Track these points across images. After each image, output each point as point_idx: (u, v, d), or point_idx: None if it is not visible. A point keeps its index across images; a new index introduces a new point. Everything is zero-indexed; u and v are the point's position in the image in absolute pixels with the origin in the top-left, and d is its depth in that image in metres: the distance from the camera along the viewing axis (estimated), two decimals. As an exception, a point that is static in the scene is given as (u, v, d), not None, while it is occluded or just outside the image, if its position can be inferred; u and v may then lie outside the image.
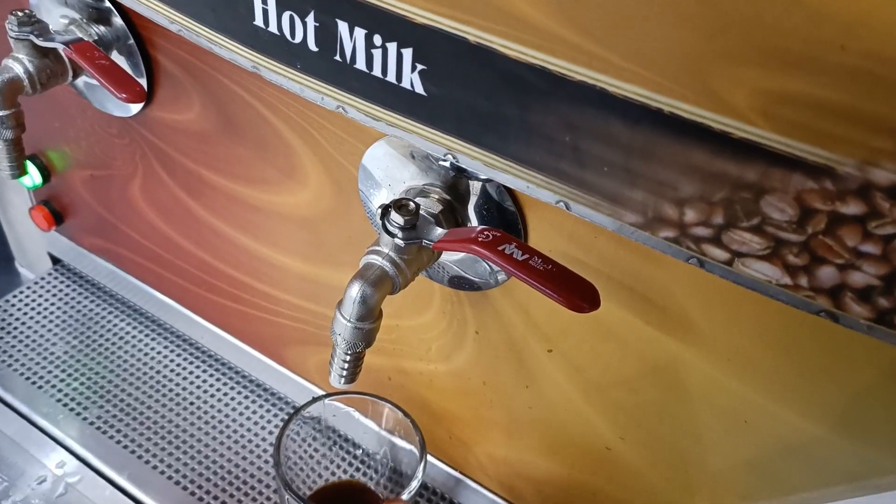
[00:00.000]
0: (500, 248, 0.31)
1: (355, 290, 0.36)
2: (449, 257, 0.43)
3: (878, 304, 0.24)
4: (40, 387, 0.62)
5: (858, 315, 0.25)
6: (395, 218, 0.36)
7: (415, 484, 0.46)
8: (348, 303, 0.36)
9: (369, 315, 0.37)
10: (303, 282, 0.53)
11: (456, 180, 0.39)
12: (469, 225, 0.41)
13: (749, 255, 0.26)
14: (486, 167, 0.31)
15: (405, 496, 0.45)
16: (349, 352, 0.38)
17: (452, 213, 0.40)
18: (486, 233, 0.32)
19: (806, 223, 0.24)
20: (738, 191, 0.25)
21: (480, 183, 0.38)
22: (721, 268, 0.27)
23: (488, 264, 0.42)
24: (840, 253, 0.24)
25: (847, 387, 0.32)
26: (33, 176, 0.63)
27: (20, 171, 0.49)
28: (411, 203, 0.36)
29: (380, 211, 0.36)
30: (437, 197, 0.40)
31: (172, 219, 0.58)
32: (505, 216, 0.39)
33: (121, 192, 0.59)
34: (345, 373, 0.39)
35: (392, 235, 0.36)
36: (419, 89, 0.30)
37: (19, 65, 0.46)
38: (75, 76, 0.50)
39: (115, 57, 0.49)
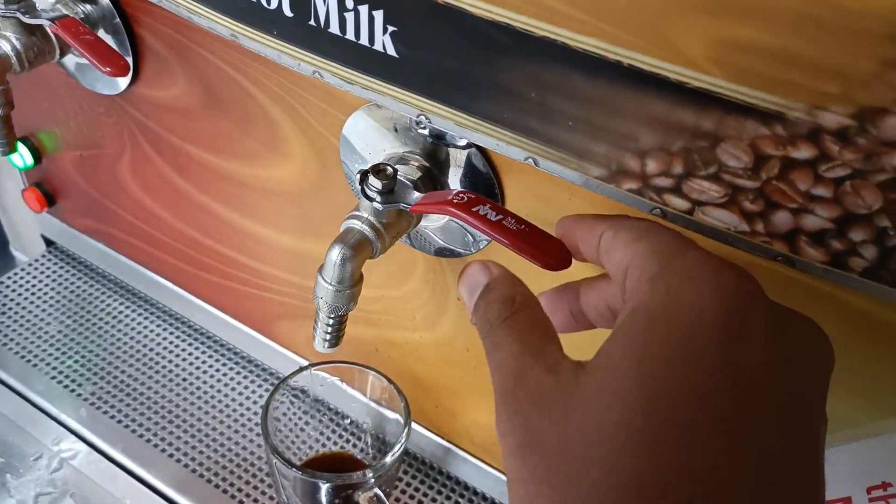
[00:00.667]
0: (474, 210, 0.31)
1: (336, 254, 0.37)
2: (433, 226, 0.43)
3: (831, 247, 0.25)
4: (35, 365, 0.63)
5: (814, 259, 0.26)
6: (373, 182, 0.36)
7: (399, 447, 0.47)
8: (329, 266, 0.37)
9: (350, 278, 0.38)
10: (290, 256, 0.54)
11: (434, 147, 0.40)
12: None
13: (708, 204, 0.27)
14: (458, 127, 0.31)
15: (388, 458, 0.46)
16: (332, 315, 0.39)
17: (431, 180, 0.41)
18: (461, 195, 0.33)
19: (760, 169, 0.25)
20: (695, 140, 0.25)
21: (458, 149, 0.39)
22: (683, 217, 0.27)
23: (470, 233, 0.43)
24: (793, 197, 0.25)
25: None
26: (24, 157, 0.63)
27: (10, 148, 0.50)
28: (389, 168, 0.37)
29: (359, 176, 0.37)
30: (416, 164, 0.41)
31: (161, 197, 0.58)
32: (482, 181, 0.39)
33: (110, 171, 0.60)
34: (328, 336, 0.40)
35: (370, 200, 0.37)
36: (391, 51, 0.31)
37: (7, 42, 0.47)
38: (62, 54, 0.50)
39: (102, 36, 0.50)
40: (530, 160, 0.30)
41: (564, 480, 0.20)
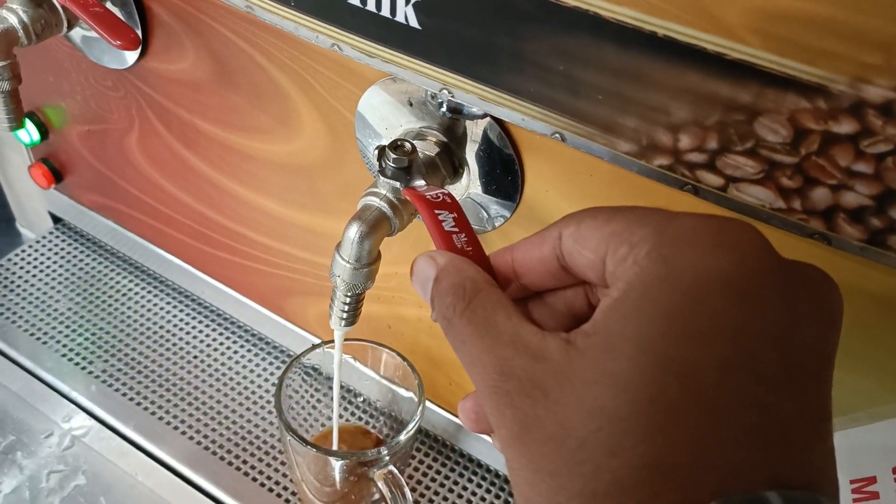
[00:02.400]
0: (436, 212, 0.30)
1: (353, 231, 0.36)
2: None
3: (870, 225, 0.25)
4: (45, 342, 0.63)
5: (851, 236, 0.25)
6: (392, 158, 0.36)
7: (413, 424, 0.47)
8: (347, 244, 0.37)
9: (368, 256, 0.37)
10: (300, 232, 0.53)
11: (452, 122, 0.39)
12: (467, 167, 0.41)
13: (743, 180, 0.26)
14: (481, 101, 0.31)
15: (403, 436, 0.46)
16: (349, 293, 0.38)
17: (449, 156, 0.40)
18: (439, 195, 0.32)
19: (799, 144, 0.24)
20: (731, 114, 0.25)
21: (476, 123, 0.38)
22: (715, 194, 0.27)
23: (485, 209, 0.43)
24: (833, 173, 0.24)
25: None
26: (31, 132, 0.63)
27: (18, 123, 0.49)
28: (407, 143, 0.36)
29: (376, 152, 0.36)
30: (434, 140, 0.40)
31: (169, 172, 0.58)
32: (501, 157, 0.39)
33: (118, 146, 0.59)
34: (345, 315, 0.40)
35: (388, 177, 0.36)
36: (413, 23, 0.30)
37: (14, 15, 0.46)
38: (69, 27, 0.49)
39: (109, 7, 0.49)
40: (557, 135, 0.29)
41: (566, 467, 0.19)
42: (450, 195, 0.32)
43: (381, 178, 0.36)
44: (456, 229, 0.29)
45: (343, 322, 0.40)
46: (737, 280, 0.19)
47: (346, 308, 0.39)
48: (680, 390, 0.18)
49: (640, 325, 0.19)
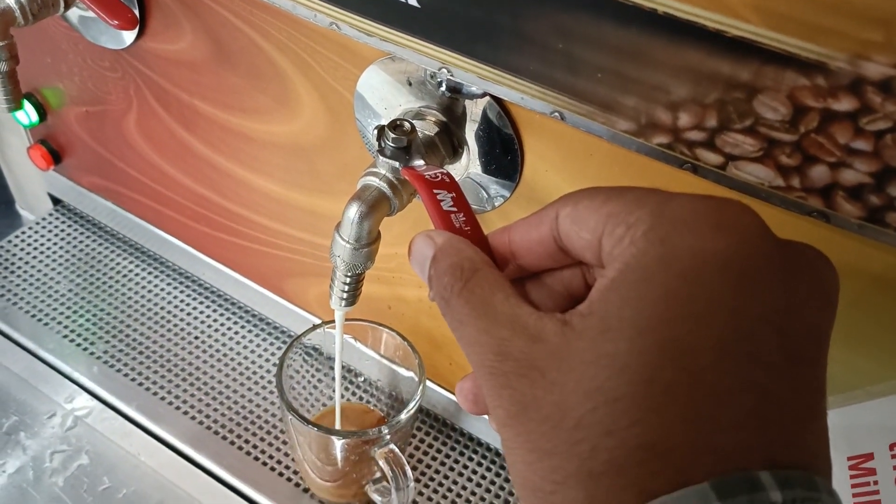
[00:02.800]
0: (434, 191, 0.30)
1: (353, 211, 0.36)
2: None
3: (869, 202, 0.25)
4: (46, 324, 0.63)
5: (850, 214, 0.25)
6: (391, 138, 0.36)
7: (414, 404, 0.47)
8: (347, 224, 0.37)
9: (367, 236, 0.37)
10: (300, 213, 0.53)
11: (451, 102, 0.39)
12: (466, 147, 0.40)
13: (742, 158, 0.26)
14: (480, 79, 0.30)
15: (404, 415, 0.46)
16: (349, 274, 0.39)
17: (449, 136, 0.40)
18: (438, 174, 0.32)
19: (798, 122, 0.24)
20: (731, 91, 0.25)
21: (476, 102, 0.38)
22: (714, 172, 0.27)
23: (484, 188, 0.43)
24: (832, 151, 0.24)
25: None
26: (29, 114, 0.62)
27: (17, 104, 0.49)
28: (406, 123, 0.36)
29: (376, 132, 0.36)
30: (433, 119, 0.40)
31: (168, 153, 0.58)
32: (501, 136, 0.39)
33: (116, 127, 0.59)
34: (345, 295, 0.40)
35: (388, 156, 0.36)
36: (412, 0, 0.30)
37: (9, -5, 0.46)
38: (66, 7, 0.49)
39: (105, -13, 0.49)
40: (556, 114, 0.29)
41: (562, 447, 0.19)
42: (448, 175, 0.32)
43: (381, 157, 0.36)
44: (454, 209, 0.29)
45: (343, 302, 0.40)
46: (735, 262, 0.19)
47: (347, 288, 0.39)
48: (676, 372, 0.19)
49: (637, 307, 0.19)
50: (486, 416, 0.54)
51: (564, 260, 0.25)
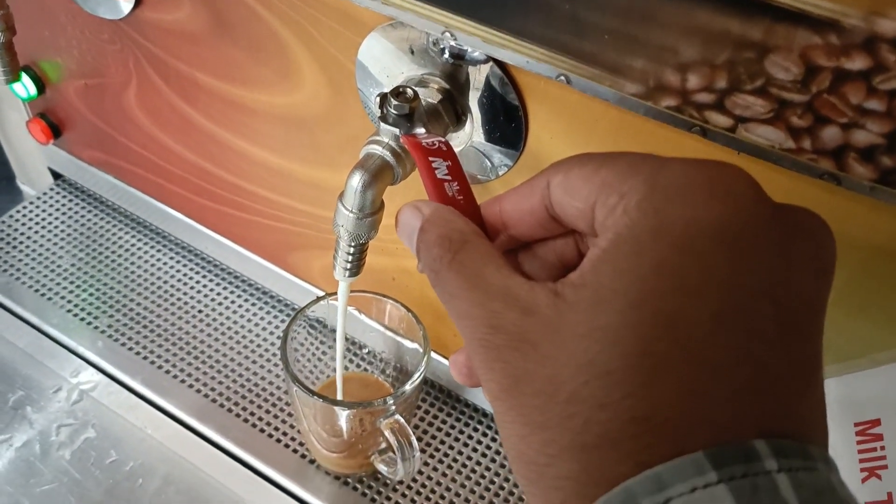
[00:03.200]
0: (430, 159, 0.30)
1: (356, 180, 0.36)
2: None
3: (881, 164, 0.24)
4: (49, 298, 0.63)
5: (861, 176, 0.25)
6: (393, 105, 0.35)
7: (418, 375, 0.47)
8: (350, 193, 0.36)
9: (371, 205, 0.37)
10: (303, 185, 0.53)
11: (455, 68, 0.38)
12: (470, 115, 0.40)
13: (752, 120, 0.25)
14: (485, 43, 0.30)
15: (408, 386, 0.46)
16: (352, 244, 0.38)
17: (452, 104, 0.39)
18: (435, 142, 0.31)
19: (810, 82, 0.24)
20: (741, 51, 0.24)
21: (479, 69, 0.38)
22: (724, 135, 0.26)
23: (488, 158, 0.42)
24: (844, 111, 0.24)
25: (844, 263, 0.33)
26: (28, 87, 0.62)
27: (14, 76, 0.49)
28: (409, 90, 0.35)
29: (378, 99, 0.36)
30: (436, 87, 0.39)
31: (169, 127, 0.57)
32: (505, 104, 0.38)
33: (116, 101, 0.59)
34: (349, 266, 0.40)
35: (390, 123, 0.36)
36: (414, -37, 0.29)
37: (3, -36, 0.45)
38: (62, -24, 0.48)
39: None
40: (562, 77, 0.29)
41: (555, 420, 0.19)
42: (446, 143, 0.32)
43: (383, 125, 0.36)
44: (449, 177, 0.28)
45: (347, 273, 0.40)
46: (729, 231, 0.19)
47: (350, 258, 0.39)
48: (670, 344, 0.18)
49: (629, 279, 0.19)
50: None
51: (557, 229, 0.24)
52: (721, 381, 0.18)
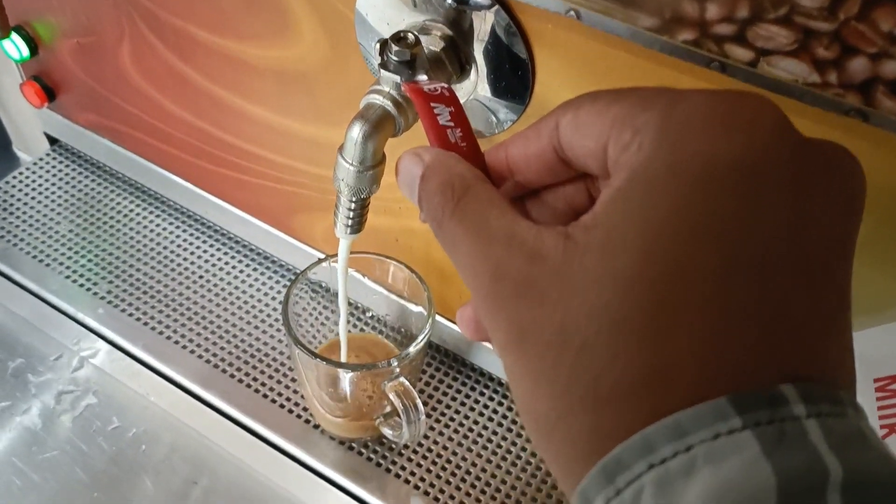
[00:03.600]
0: (432, 104, 0.28)
1: (356, 131, 0.35)
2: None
3: (913, 97, 0.23)
4: (48, 265, 0.62)
5: (890, 111, 0.23)
6: (394, 51, 0.34)
7: (423, 336, 0.46)
8: (350, 145, 0.35)
9: (372, 158, 0.35)
10: (303, 144, 0.51)
11: (458, 14, 0.37)
12: (474, 65, 0.38)
13: (775, 52, 0.24)
14: (490, -21, 0.28)
15: (412, 348, 0.45)
16: (353, 199, 0.37)
17: (456, 52, 0.38)
18: (437, 88, 0.30)
19: (837, 9, 0.22)
20: (764, -23, 0.23)
21: (484, 16, 0.36)
22: (744, 70, 0.25)
23: (493, 112, 0.41)
24: (873, 40, 0.22)
25: (869, 209, 0.31)
26: (20, 48, 0.60)
27: (3, 32, 0.47)
28: (410, 35, 0.34)
29: (378, 46, 0.34)
30: (439, 34, 0.38)
31: (165, 87, 0.56)
32: (510, 52, 0.37)
33: (111, 61, 0.57)
34: (350, 222, 0.38)
35: (391, 70, 0.34)
36: None
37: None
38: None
39: None
40: (572, 13, 0.27)
41: (566, 372, 0.18)
42: (449, 89, 0.30)
43: (383, 72, 0.34)
44: (451, 124, 0.27)
45: (348, 230, 0.39)
46: (749, 168, 0.18)
47: (352, 214, 0.38)
48: (687, 289, 0.17)
49: (643, 221, 0.18)
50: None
51: (566, 173, 0.23)
52: (742, 325, 0.17)
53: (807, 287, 0.18)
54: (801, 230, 0.18)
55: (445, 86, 0.30)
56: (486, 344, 0.54)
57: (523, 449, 0.53)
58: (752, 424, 0.16)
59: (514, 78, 0.38)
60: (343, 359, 0.50)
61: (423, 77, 0.34)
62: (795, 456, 0.16)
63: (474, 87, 0.39)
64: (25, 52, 0.60)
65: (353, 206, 0.37)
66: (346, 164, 0.35)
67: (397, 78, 0.34)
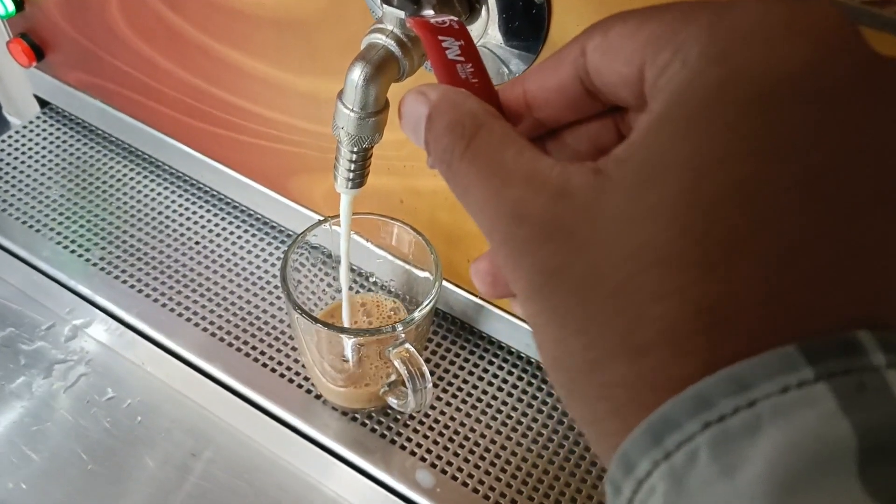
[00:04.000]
0: (440, 38, 0.26)
1: (357, 74, 0.32)
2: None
3: None
4: (38, 231, 0.60)
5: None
6: (398, -16, 0.31)
7: (430, 299, 0.43)
8: (350, 89, 0.32)
9: (374, 103, 0.33)
10: (300, 99, 0.48)
11: (467, -52, 0.34)
12: (484, 5, 0.36)
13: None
14: None
15: (417, 313, 0.43)
16: (354, 149, 0.34)
17: (465, -9, 0.35)
18: (446, 21, 0.27)
19: None
20: None
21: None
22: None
23: (504, 62, 0.38)
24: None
25: None
26: (5, 3, 0.57)
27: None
28: (416, -33, 0.31)
29: (380, -20, 0.32)
30: (446, -30, 0.35)
31: (156, 40, 0.53)
32: (524, -12, 0.34)
33: (99, 14, 0.54)
34: (351, 175, 0.36)
35: (394, 5, 0.31)
36: None
37: None
38: None
39: None
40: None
41: (599, 318, 0.16)
42: (458, 22, 0.27)
43: (387, 7, 0.31)
44: (461, 58, 0.24)
45: (350, 183, 0.36)
46: (815, 79, 0.15)
47: (353, 167, 0.35)
48: (743, 219, 0.15)
49: (693, 143, 0.15)
50: (507, 317, 0.51)
51: (591, 108, 0.21)
52: (807, 260, 0.14)
53: (884, 220, 0.15)
54: (880, 153, 0.15)
55: (455, 19, 0.28)
56: (495, 310, 0.52)
57: (534, 419, 0.51)
58: (826, 376, 0.13)
59: (528, 17, 0.35)
60: (346, 325, 0.48)
61: (429, 12, 0.31)
62: (877, 411, 0.13)
63: (484, 29, 0.36)
64: (11, 7, 0.57)
65: (354, 157, 0.35)
66: (346, 110, 0.33)
67: (401, 13, 0.31)
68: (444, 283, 0.52)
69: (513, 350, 0.54)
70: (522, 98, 0.21)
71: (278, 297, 0.57)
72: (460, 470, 0.48)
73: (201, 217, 0.61)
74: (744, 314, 0.15)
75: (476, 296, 0.52)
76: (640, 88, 0.18)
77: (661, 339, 0.15)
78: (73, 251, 0.58)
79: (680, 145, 0.16)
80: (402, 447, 0.49)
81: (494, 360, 0.54)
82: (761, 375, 0.14)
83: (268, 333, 0.54)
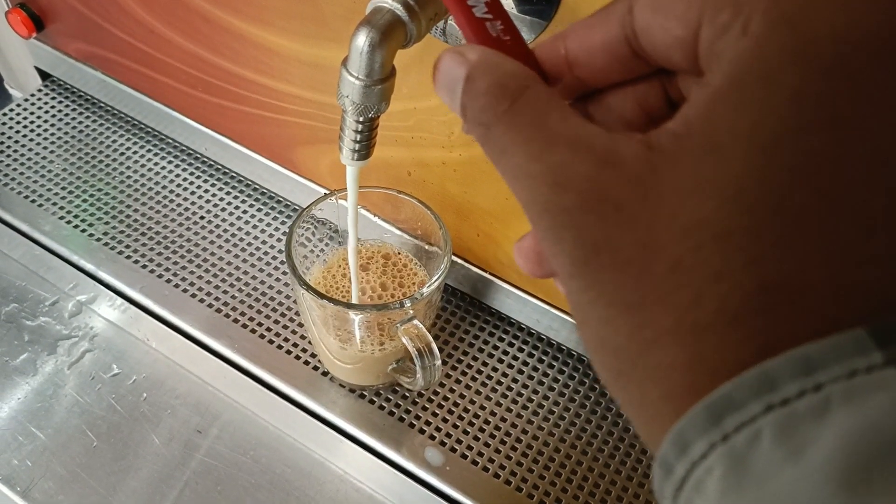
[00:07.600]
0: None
1: (362, 39, 0.30)
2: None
3: None
4: (41, 205, 0.59)
5: None
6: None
7: (440, 274, 0.42)
8: (355, 55, 0.31)
9: (380, 70, 0.31)
10: (305, 68, 0.47)
11: None
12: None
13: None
14: None
15: (426, 289, 0.42)
16: (360, 118, 0.33)
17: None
18: None
19: None
20: None
21: None
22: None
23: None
24: None
25: None
26: (1, -28, 0.56)
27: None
28: (424, -77, 0.29)
29: (386, -61, 0.30)
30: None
31: (157, 7, 0.51)
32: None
33: (98, -18, 0.53)
34: (357, 146, 0.34)
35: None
36: None
37: None
38: None
39: None
40: None
41: (652, 296, 0.15)
42: None
43: (394, -32, 0.30)
44: (489, 16, 0.23)
45: (356, 154, 0.35)
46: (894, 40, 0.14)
47: (359, 137, 0.34)
48: (811, 194, 0.14)
49: (758, 115, 0.14)
50: (517, 292, 0.50)
51: (639, 68, 0.19)
52: (880, 237, 0.14)
53: None
54: None
55: None
56: (505, 285, 0.51)
57: (545, 397, 0.50)
58: None
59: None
60: (354, 300, 0.47)
61: None
62: None
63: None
64: (7, -26, 0.56)
65: (359, 126, 0.33)
66: (351, 77, 0.31)
67: (409, -26, 0.30)
68: (454, 257, 0.51)
69: (523, 326, 0.53)
70: (562, 56, 0.20)
71: (284, 273, 0.56)
72: (470, 448, 0.48)
73: (205, 191, 0.60)
74: (811, 295, 0.14)
75: (486, 270, 0.51)
76: (693, 50, 0.16)
77: (720, 318, 0.14)
78: (75, 226, 0.57)
79: (743, 117, 0.14)
80: (411, 425, 0.48)
81: (505, 336, 0.53)
82: (830, 359, 0.13)
83: (274, 309, 0.54)
